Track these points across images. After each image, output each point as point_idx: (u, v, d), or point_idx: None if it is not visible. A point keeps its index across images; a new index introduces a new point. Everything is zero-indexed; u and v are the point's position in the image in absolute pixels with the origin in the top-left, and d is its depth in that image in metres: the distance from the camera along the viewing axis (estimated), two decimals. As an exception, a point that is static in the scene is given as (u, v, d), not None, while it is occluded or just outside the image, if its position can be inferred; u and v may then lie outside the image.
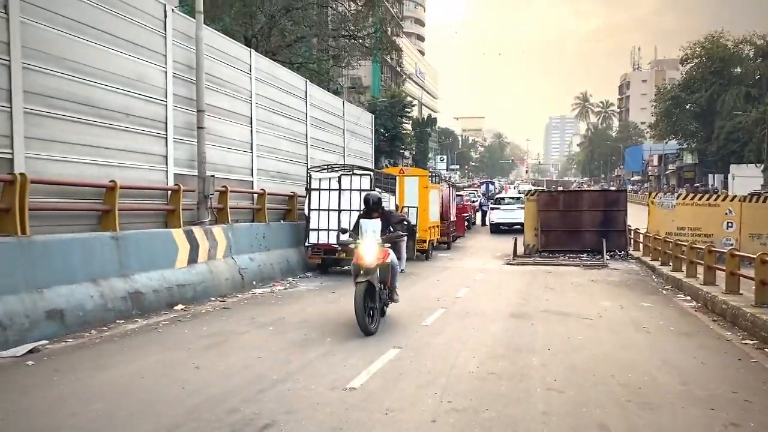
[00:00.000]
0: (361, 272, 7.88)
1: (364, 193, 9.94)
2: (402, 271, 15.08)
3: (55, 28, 8.58)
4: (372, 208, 8.48)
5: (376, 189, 14.26)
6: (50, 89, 8.53)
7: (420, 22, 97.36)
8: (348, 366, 6.30)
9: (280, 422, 4.69)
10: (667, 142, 70.72)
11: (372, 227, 8.22)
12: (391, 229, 8.50)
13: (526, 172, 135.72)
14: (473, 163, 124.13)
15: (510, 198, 31.48)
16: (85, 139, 9.20)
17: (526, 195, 22.18)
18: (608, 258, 18.35)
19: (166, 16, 11.01)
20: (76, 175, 9.02)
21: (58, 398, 5.29)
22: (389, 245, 8.41)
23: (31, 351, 6.79)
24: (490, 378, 5.98)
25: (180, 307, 9.79)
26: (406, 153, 48.02)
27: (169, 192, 11.10)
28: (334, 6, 27.17)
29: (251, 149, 14.32)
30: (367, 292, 7.77)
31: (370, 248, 8.01)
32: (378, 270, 7.99)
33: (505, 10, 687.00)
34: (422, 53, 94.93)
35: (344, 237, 8.92)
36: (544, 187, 49.38)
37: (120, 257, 9.12)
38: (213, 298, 10.81)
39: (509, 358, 6.80)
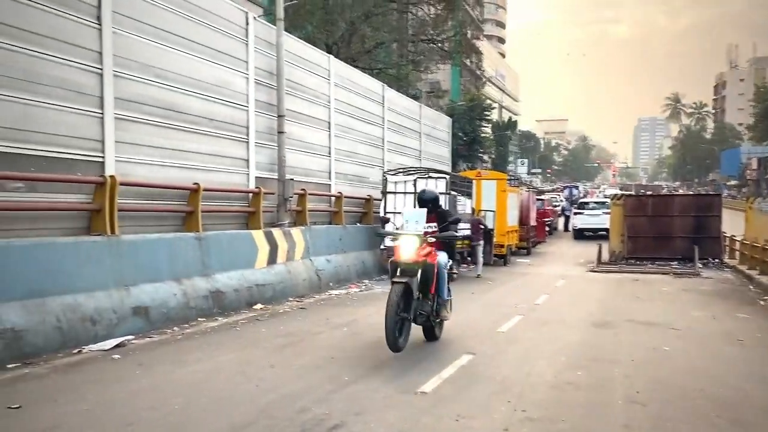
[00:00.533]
0: (398, 271, 6.66)
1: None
2: (478, 276, 15.08)
3: (144, 37, 8.98)
4: (427, 208, 7.29)
5: (452, 192, 14.09)
6: (138, 96, 8.94)
7: (501, 25, 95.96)
8: (420, 370, 6.21)
9: (349, 423, 4.66)
10: (767, 145, 66.41)
11: (414, 218, 6.98)
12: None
13: (613, 175, 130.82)
14: (556, 167, 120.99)
15: (594, 202, 30.51)
16: (170, 143, 9.59)
17: (612, 199, 21.40)
18: (701, 266, 17.33)
19: (248, 24, 11.34)
20: (161, 178, 9.40)
21: (139, 391, 5.49)
22: (434, 240, 7.07)
23: (117, 345, 7.10)
24: (567, 388, 5.73)
25: (259, 306, 10.02)
26: (485, 157, 47.26)
27: (250, 194, 11.41)
28: (413, 11, 27.24)
29: (329, 153, 14.53)
30: (403, 297, 6.50)
31: (408, 241, 6.75)
32: (420, 271, 6.70)
33: (591, 9, 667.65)
34: (503, 56, 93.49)
35: (385, 228, 7.77)
36: (632, 192, 47.46)
37: (202, 257, 9.43)
38: (291, 298, 11.00)
39: (589, 368, 6.51)
